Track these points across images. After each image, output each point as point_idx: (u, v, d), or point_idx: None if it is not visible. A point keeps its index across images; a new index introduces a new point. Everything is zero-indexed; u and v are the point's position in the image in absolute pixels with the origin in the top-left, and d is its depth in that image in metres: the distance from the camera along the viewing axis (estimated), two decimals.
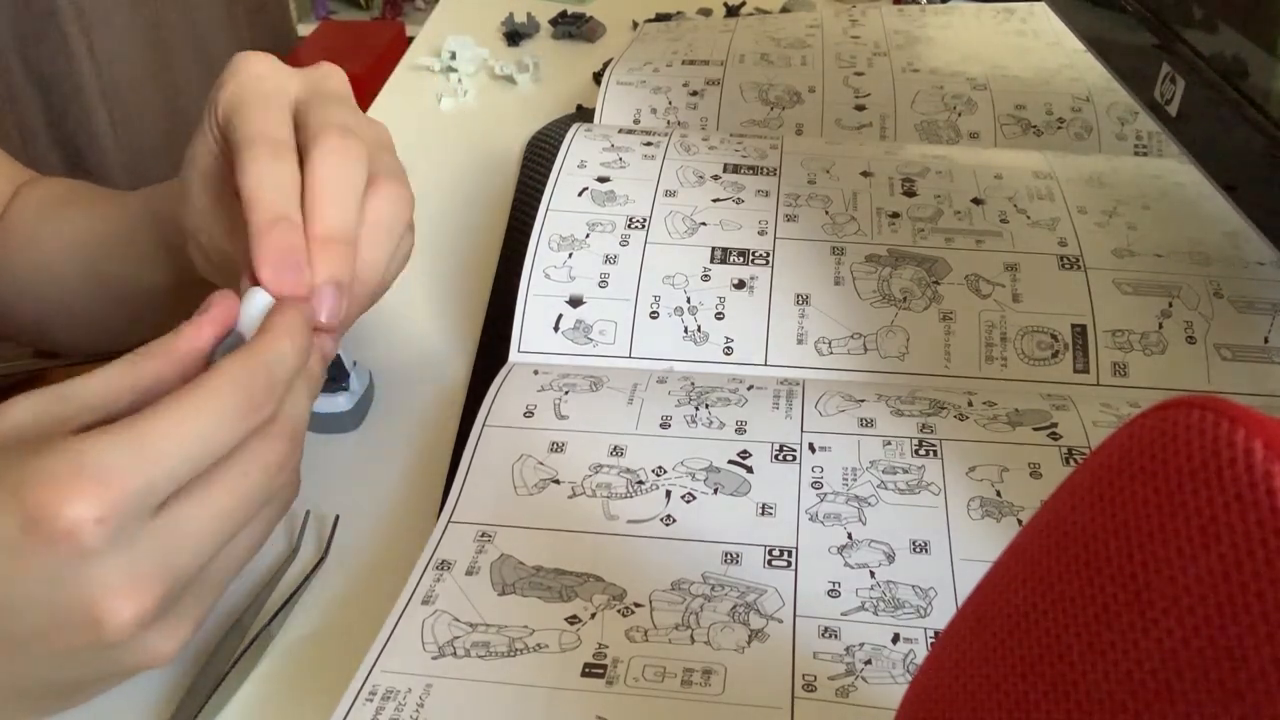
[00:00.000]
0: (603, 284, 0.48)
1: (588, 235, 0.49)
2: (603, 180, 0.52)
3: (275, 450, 0.33)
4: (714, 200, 0.51)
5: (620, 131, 0.56)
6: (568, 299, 0.48)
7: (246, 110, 0.38)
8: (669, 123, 0.63)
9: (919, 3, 0.82)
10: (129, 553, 0.29)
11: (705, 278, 0.48)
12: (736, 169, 0.53)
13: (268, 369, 0.32)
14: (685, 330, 0.47)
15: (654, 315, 0.47)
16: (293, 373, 0.33)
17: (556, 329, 0.47)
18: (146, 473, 0.29)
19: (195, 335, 0.34)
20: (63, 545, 0.28)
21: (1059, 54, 0.66)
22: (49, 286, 0.54)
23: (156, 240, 0.49)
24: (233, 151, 0.37)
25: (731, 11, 0.84)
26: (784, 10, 0.82)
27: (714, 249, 0.49)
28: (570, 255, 0.49)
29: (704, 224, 0.50)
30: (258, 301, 0.35)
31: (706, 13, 0.84)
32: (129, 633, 0.29)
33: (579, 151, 0.54)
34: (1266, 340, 0.44)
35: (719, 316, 0.47)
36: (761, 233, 0.49)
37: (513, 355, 0.47)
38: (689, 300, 0.47)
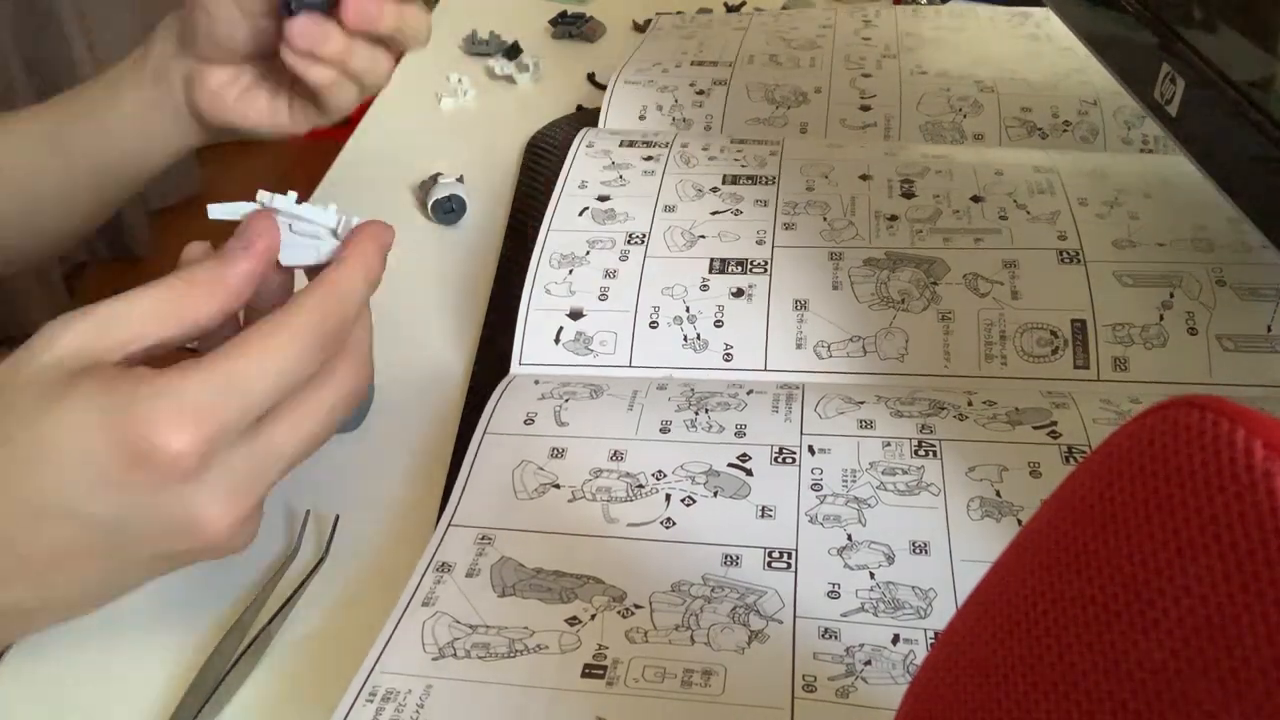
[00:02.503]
0: (603, 297, 0.48)
1: (588, 252, 0.50)
2: (603, 199, 0.52)
3: (350, 374, 0.36)
4: (713, 213, 0.51)
5: (622, 145, 0.56)
6: (568, 312, 0.48)
7: None
8: (674, 120, 0.63)
9: (918, 2, 0.82)
10: (225, 474, 0.33)
11: (704, 287, 0.48)
12: (735, 180, 0.53)
13: (343, 305, 0.35)
14: (685, 339, 0.47)
15: (653, 325, 0.47)
16: (364, 302, 0.37)
17: (557, 341, 0.47)
18: (239, 407, 0.32)
19: (243, 269, 0.36)
20: (168, 474, 0.31)
21: (1070, 59, 0.66)
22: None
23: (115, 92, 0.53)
24: None
25: (731, 11, 0.84)
26: (784, 9, 0.82)
27: (713, 260, 0.49)
28: (571, 271, 0.49)
29: (703, 236, 0.50)
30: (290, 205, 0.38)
31: (706, 12, 0.84)
32: (225, 537, 0.33)
33: (580, 172, 0.54)
34: (1269, 329, 0.44)
35: (718, 324, 0.47)
36: (760, 242, 0.49)
37: (514, 368, 0.47)
38: (688, 309, 0.47)
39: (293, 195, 0.38)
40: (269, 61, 0.51)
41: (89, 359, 0.32)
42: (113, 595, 0.35)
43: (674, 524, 0.38)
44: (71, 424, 0.31)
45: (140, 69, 0.53)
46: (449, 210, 0.60)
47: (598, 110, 0.65)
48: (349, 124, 0.67)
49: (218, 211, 0.38)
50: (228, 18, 0.49)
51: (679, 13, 0.80)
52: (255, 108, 0.52)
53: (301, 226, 0.38)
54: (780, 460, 0.40)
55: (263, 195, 0.38)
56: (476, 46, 0.81)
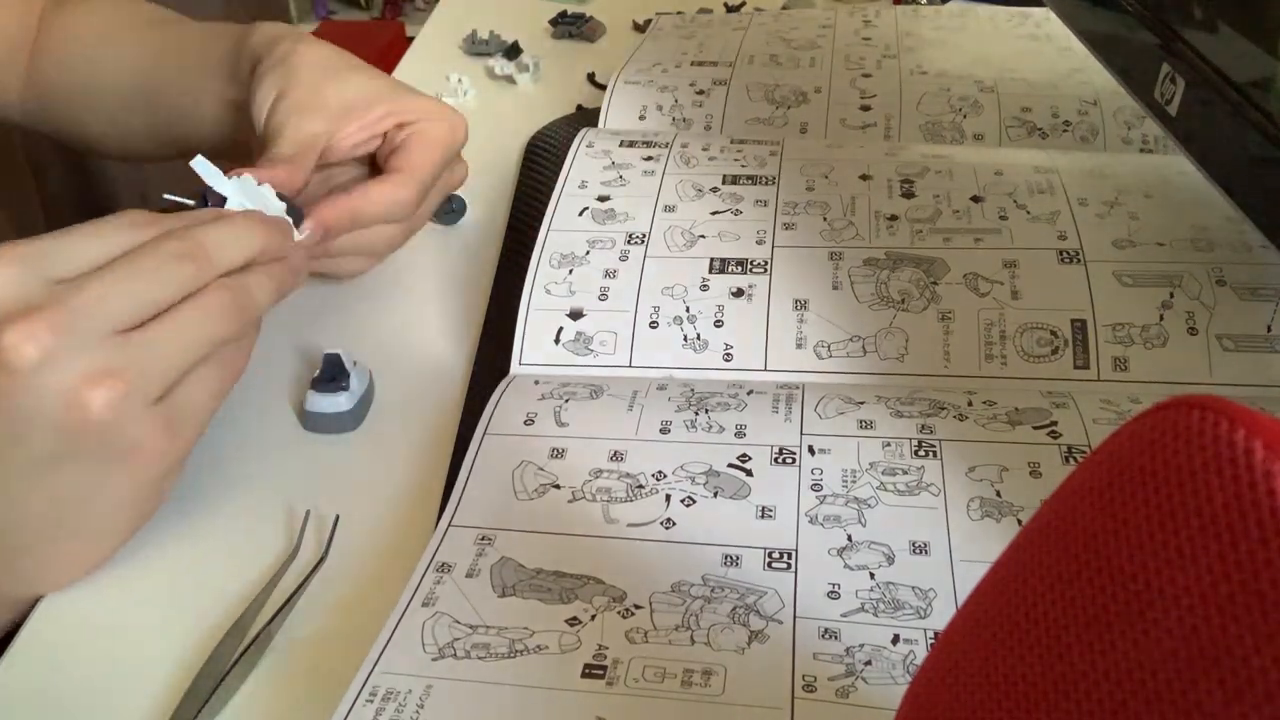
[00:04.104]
0: (603, 297, 0.48)
1: (588, 252, 0.50)
2: (603, 199, 0.52)
3: (174, 242, 0.38)
4: (713, 213, 0.51)
5: (622, 145, 0.56)
6: (568, 312, 0.48)
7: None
8: (674, 120, 0.63)
9: (918, 2, 0.82)
10: (88, 353, 0.34)
11: (704, 287, 0.48)
12: (735, 180, 0.53)
13: (193, 234, 0.38)
14: (685, 339, 0.47)
15: (653, 325, 0.47)
16: (222, 233, 0.39)
17: (557, 341, 0.47)
18: (87, 296, 0.34)
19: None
20: (12, 360, 0.33)
21: (1070, 58, 0.66)
22: (102, 104, 0.61)
23: (207, 79, 0.56)
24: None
25: (731, 11, 0.84)
26: (784, 9, 0.82)
27: (712, 260, 0.49)
28: (570, 271, 0.49)
29: (703, 236, 0.50)
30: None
31: (707, 12, 0.84)
32: (110, 411, 0.35)
33: (580, 172, 0.54)
34: (1269, 329, 0.44)
35: (718, 324, 0.47)
36: (760, 242, 0.49)
37: (514, 368, 0.47)
38: (688, 309, 0.47)
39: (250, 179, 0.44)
40: None
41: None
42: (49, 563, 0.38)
43: (674, 524, 0.38)
44: None
45: (228, 86, 0.55)
46: (449, 210, 0.60)
47: (598, 110, 0.65)
48: None
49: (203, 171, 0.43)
50: None
51: (679, 13, 0.79)
52: None
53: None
54: (780, 460, 0.40)
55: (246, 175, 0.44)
56: (476, 46, 0.81)
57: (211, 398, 0.39)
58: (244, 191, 0.43)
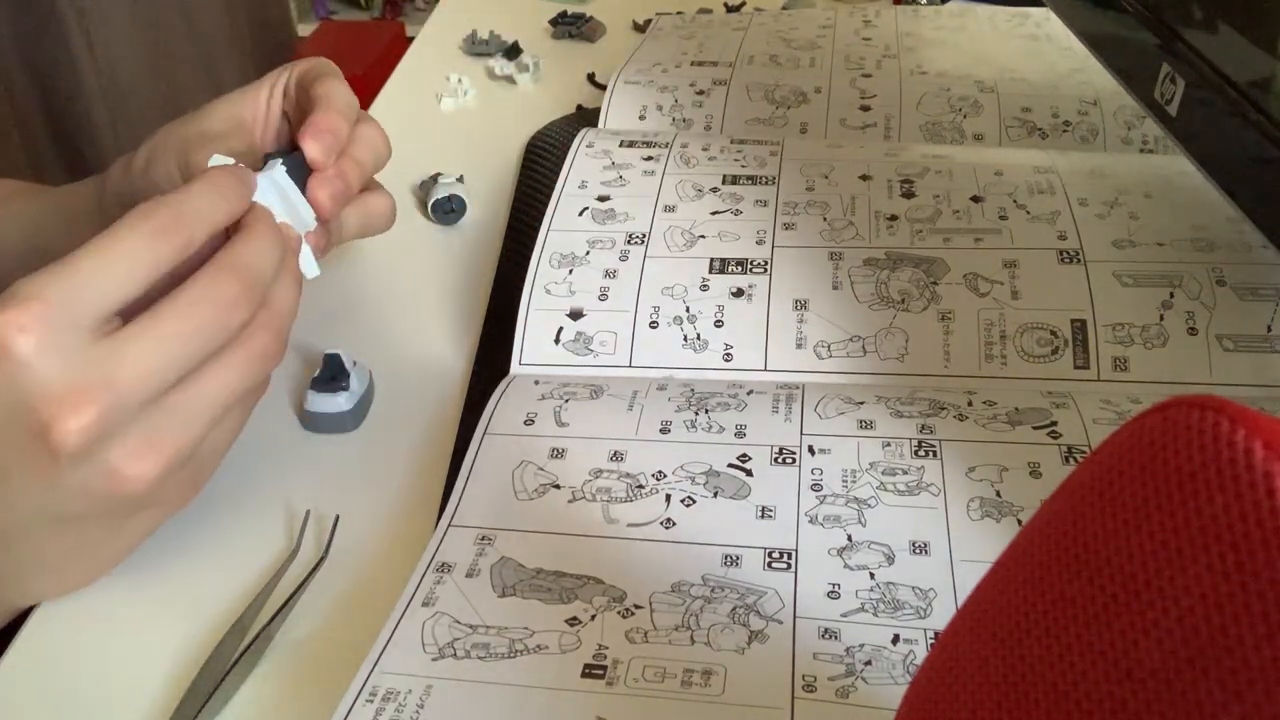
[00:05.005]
0: (603, 297, 0.48)
1: (588, 252, 0.50)
2: (603, 199, 0.52)
3: (222, 286, 0.35)
4: (713, 213, 0.51)
5: (622, 145, 0.56)
6: (568, 312, 0.48)
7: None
8: (674, 120, 0.63)
9: (918, 2, 0.82)
10: (65, 362, 0.32)
11: (704, 287, 0.48)
12: (735, 180, 0.53)
13: (178, 209, 0.35)
14: (685, 339, 0.47)
15: (653, 325, 0.47)
16: (213, 210, 0.36)
17: (557, 341, 0.47)
18: (71, 290, 0.32)
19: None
20: (60, 447, 0.31)
21: (1070, 58, 0.66)
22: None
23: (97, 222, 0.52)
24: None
25: (731, 11, 0.84)
26: (784, 10, 0.82)
27: (712, 260, 0.49)
28: (570, 271, 0.49)
29: (703, 236, 0.50)
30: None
31: (706, 12, 0.84)
32: (77, 440, 0.32)
33: (580, 172, 0.54)
34: (1269, 329, 0.44)
35: (718, 324, 0.47)
36: (760, 242, 0.49)
37: (514, 368, 0.47)
38: (688, 309, 0.47)
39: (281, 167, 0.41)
40: None
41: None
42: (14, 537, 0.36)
43: (674, 524, 0.38)
44: None
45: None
46: (449, 210, 0.60)
47: (598, 110, 0.65)
48: None
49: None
50: None
51: (679, 13, 0.79)
52: None
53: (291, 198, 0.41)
54: (780, 460, 0.40)
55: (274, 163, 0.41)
56: (476, 46, 0.81)
57: (232, 435, 0.39)
58: (274, 186, 0.41)
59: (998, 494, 0.38)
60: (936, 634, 0.34)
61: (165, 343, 0.33)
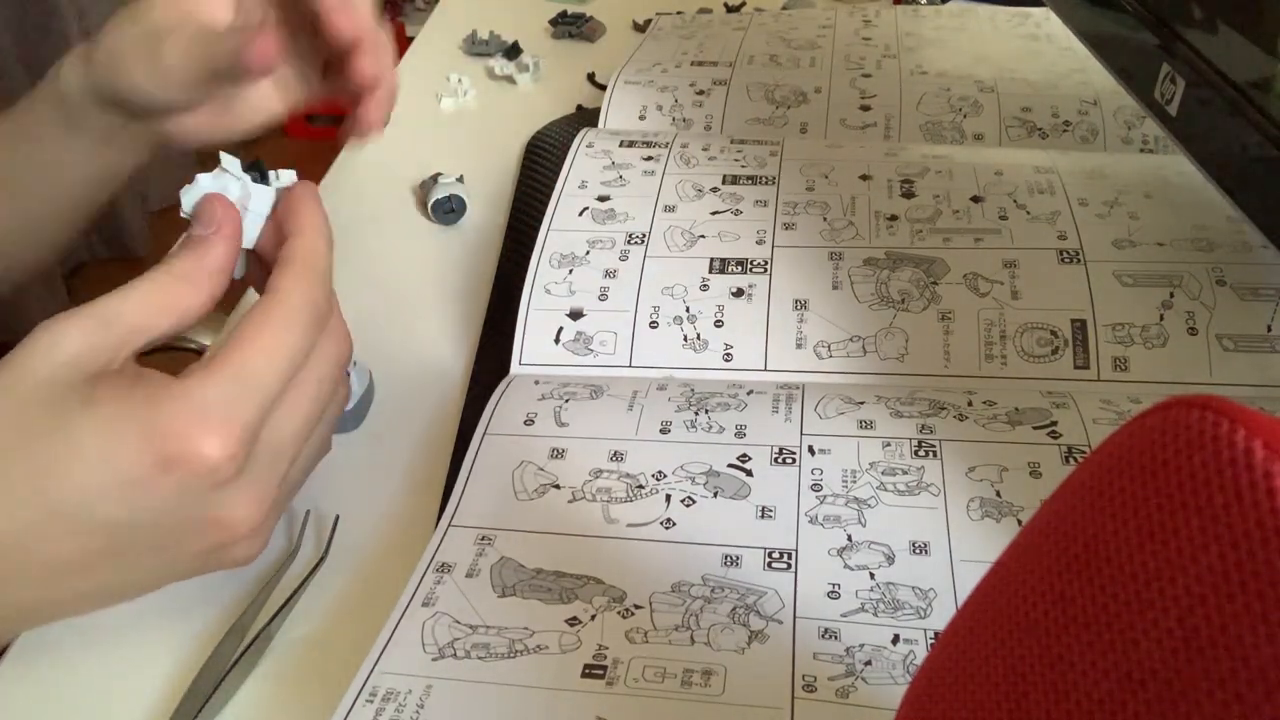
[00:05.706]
0: (603, 297, 0.48)
1: (588, 252, 0.50)
2: (603, 199, 0.52)
3: (339, 345, 0.37)
4: (713, 213, 0.51)
5: (622, 145, 0.56)
6: (568, 312, 0.48)
7: None
8: (674, 120, 0.63)
9: (918, 2, 0.82)
10: (250, 474, 0.33)
11: (704, 287, 0.48)
12: (735, 180, 0.53)
13: (321, 274, 0.35)
14: (685, 339, 0.47)
15: (653, 325, 0.47)
16: (331, 264, 0.37)
17: (557, 341, 0.47)
18: (257, 402, 0.32)
19: (221, 254, 0.36)
20: (205, 480, 0.32)
21: (1070, 58, 0.66)
22: None
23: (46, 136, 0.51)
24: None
25: (731, 11, 0.84)
26: (784, 9, 0.82)
27: (712, 260, 0.49)
28: (570, 271, 0.49)
29: (703, 236, 0.50)
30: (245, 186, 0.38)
31: (706, 12, 0.84)
32: (245, 534, 0.34)
33: (580, 172, 0.54)
34: (1269, 329, 0.44)
35: (718, 324, 0.47)
36: (760, 242, 0.49)
37: (514, 368, 0.47)
38: (688, 309, 0.47)
39: (236, 162, 0.38)
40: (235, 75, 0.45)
41: (97, 362, 0.32)
42: (125, 598, 0.35)
43: (674, 524, 0.38)
44: (95, 431, 0.31)
45: (61, 128, 0.49)
46: (449, 210, 0.60)
47: (598, 110, 0.65)
48: None
49: (190, 202, 0.38)
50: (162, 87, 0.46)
51: (679, 13, 0.79)
52: (250, 113, 0.48)
53: (252, 205, 0.38)
54: (780, 460, 0.40)
55: (226, 159, 0.38)
56: (476, 46, 0.81)
57: (312, 466, 0.39)
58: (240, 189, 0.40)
59: (998, 494, 0.38)
60: (936, 634, 0.34)
61: (305, 420, 0.35)
